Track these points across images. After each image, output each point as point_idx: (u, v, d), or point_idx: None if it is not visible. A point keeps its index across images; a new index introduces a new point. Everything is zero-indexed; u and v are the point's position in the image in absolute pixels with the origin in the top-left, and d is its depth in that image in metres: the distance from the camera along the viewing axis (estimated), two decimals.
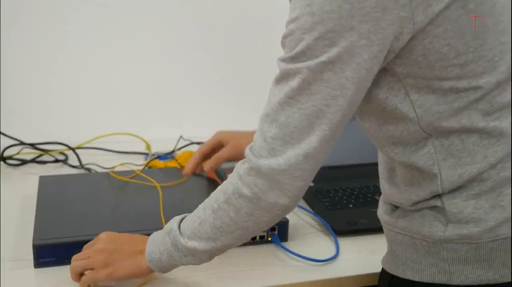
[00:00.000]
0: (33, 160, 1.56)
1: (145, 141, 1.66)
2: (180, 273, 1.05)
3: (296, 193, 0.86)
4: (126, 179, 1.34)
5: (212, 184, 1.34)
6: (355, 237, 1.21)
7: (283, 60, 0.83)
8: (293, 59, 0.81)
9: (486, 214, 0.85)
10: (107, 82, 1.76)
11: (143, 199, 1.25)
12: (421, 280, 0.88)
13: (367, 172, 1.42)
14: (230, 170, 1.30)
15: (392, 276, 0.92)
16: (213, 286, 1.03)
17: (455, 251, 0.86)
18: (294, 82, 0.81)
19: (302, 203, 1.34)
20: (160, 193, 1.25)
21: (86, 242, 1.05)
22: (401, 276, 0.91)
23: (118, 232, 1.08)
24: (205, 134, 1.51)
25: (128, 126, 1.66)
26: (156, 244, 0.96)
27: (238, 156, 1.29)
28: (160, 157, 1.55)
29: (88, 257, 0.97)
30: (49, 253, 1.04)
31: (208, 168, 1.31)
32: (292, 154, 0.82)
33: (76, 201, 1.23)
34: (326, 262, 1.11)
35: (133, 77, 1.77)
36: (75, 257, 1.00)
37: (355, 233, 1.21)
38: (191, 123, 1.74)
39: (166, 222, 1.11)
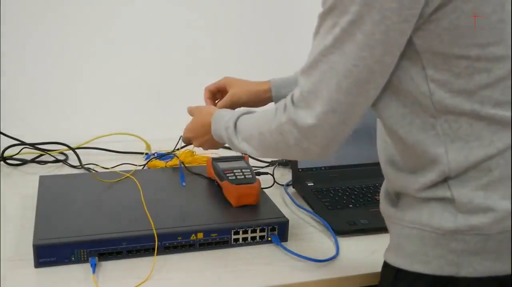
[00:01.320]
0: (33, 160, 1.56)
1: (145, 141, 1.66)
2: (179, 272, 1.06)
3: (328, 143, 0.90)
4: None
5: (212, 184, 1.34)
6: (355, 237, 1.21)
7: (321, 15, 0.86)
8: (327, 13, 0.84)
9: (496, 204, 0.84)
10: (107, 82, 1.76)
11: (143, 199, 1.25)
12: (428, 272, 0.88)
13: (367, 172, 1.43)
14: (230, 170, 1.31)
15: (398, 269, 0.91)
16: (213, 286, 1.03)
17: (465, 242, 0.85)
18: (327, 40, 0.84)
19: (302, 203, 1.34)
20: (159, 194, 1.25)
21: (86, 242, 1.06)
22: (408, 269, 0.90)
23: (119, 232, 1.09)
24: None
25: (128, 126, 1.66)
26: (218, 132, 1.11)
27: (232, 106, 1.32)
28: (160, 157, 1.55)
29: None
30: (49, 253, 1.05)
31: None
32: (321, 110, 0.86)
33: (76, 201, 1.22)
34: (326, 262, 1.11)
35: (133, 77, 1.77)
36: None
37: (355, 233, 1.21)
38: None
39: (166, 223, 1.12)
